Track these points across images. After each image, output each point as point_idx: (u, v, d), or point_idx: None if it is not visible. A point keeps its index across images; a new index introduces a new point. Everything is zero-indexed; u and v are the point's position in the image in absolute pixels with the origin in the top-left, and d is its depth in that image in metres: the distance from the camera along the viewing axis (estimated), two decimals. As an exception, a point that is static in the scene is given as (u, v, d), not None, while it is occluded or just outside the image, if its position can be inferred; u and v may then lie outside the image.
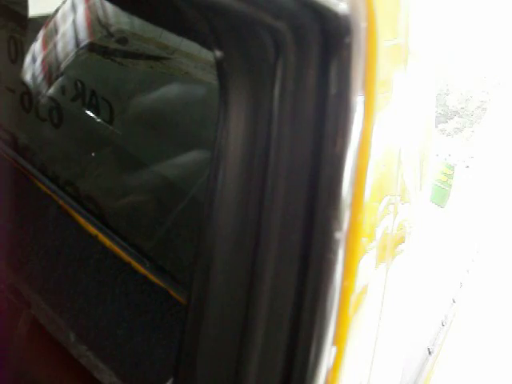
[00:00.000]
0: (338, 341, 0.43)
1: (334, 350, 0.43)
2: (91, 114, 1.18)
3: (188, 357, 0.48)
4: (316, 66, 0.38)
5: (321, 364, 0.42)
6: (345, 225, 0.40)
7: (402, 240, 0.70)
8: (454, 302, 2.06)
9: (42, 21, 1.32)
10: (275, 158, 0.40)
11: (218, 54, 0.43)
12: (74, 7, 1.31)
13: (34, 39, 1.30)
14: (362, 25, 0.40)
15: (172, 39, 1.13)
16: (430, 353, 1.60)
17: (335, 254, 0.39)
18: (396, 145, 0.52)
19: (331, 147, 0.38)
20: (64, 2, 1.32)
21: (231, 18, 0.38)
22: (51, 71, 1.27)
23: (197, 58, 1.12)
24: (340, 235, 0.39)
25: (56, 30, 1.32)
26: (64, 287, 1.10)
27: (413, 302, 0.91)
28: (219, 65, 0.43)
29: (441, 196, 7.55)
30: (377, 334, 0.56)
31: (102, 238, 1.05)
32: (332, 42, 0.38)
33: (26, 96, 1.22)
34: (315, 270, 0.40)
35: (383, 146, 0.48)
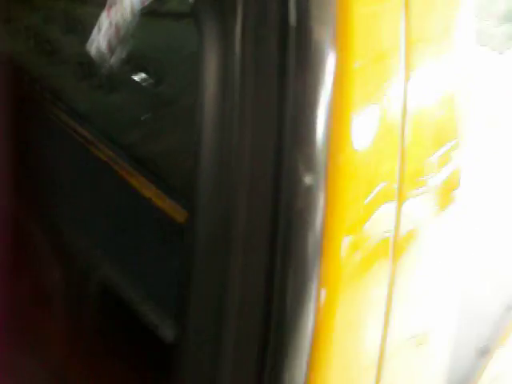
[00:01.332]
0: (328, 282, 0.41)
1: (323, 291, 0.41)
2: (142, 78, 1.18)
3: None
4: None
5: (302, 304, 0.40)
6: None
7: (455, 185, 0.67)
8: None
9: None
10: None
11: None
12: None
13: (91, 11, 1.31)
14: None
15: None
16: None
17: (305, 201, 0.37)
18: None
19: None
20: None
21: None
22: (115, 40, 1.28)
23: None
24: (309, 180, 0.36)
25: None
26: (127, 251, 1.12)
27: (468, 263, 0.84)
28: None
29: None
30: (392, 281, 0.52)
31: (156, 200, 1.05)
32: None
33: (80, 65, 1.24)
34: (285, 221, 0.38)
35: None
